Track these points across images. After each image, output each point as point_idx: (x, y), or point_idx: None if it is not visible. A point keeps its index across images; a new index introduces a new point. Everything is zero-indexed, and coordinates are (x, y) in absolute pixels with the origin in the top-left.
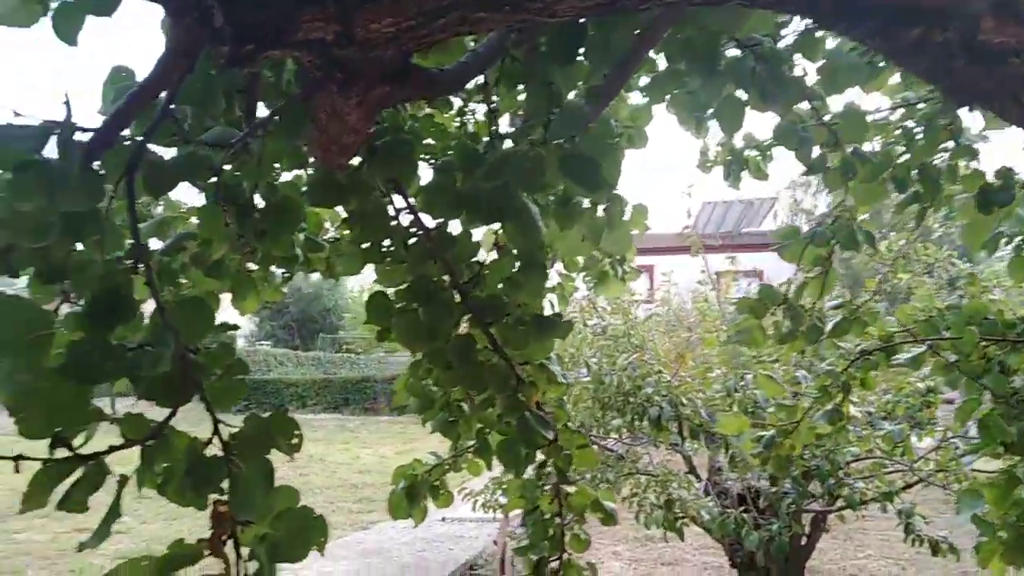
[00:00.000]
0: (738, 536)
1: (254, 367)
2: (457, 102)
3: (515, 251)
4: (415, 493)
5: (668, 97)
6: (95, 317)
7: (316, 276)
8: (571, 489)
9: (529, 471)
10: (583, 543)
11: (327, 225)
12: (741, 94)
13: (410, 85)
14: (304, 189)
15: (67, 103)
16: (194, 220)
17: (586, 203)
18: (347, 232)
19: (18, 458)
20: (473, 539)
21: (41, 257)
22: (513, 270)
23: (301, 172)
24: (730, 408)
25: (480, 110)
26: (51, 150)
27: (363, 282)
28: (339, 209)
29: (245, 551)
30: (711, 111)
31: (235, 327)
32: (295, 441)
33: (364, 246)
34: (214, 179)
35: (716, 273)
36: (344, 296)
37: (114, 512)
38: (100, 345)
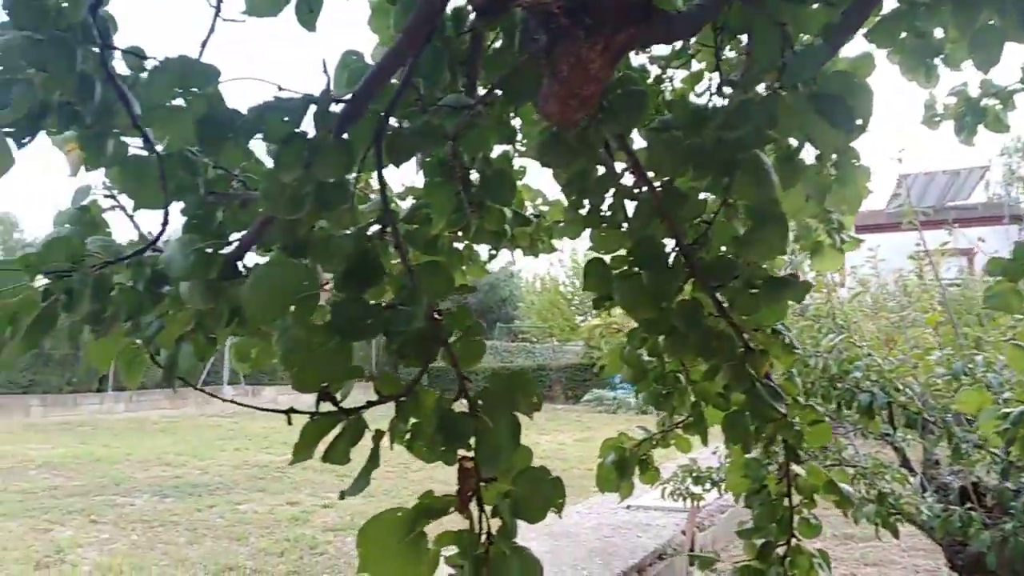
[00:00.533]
0: (964, 535)
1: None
2: (654, 70)
3: (744, 208)
4: (624, 467)
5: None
6: (348, 283)
7: (491, 266)
8: (801, 469)
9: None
10: (814, 528)
11: (526, 203)
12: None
13: (651, 28)
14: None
15: (324, 71)
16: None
17: (810, 159)
18: (546, 208)
19: (289, 411)
20: (660, 527)
21: (290, 230)
22: (742, 229)
23: (508, 147)
24: (954, 394)
25: (677, 75)
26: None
27: (537, 271)
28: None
29: (487, 509)
30: (944, 55)
31: (472, 289)
32: (535, 400)
33: (583, 211)
34: (428, 158)
35: (925, 251)
36: (519, 286)
37: (373, 462)
38: (360, 305)
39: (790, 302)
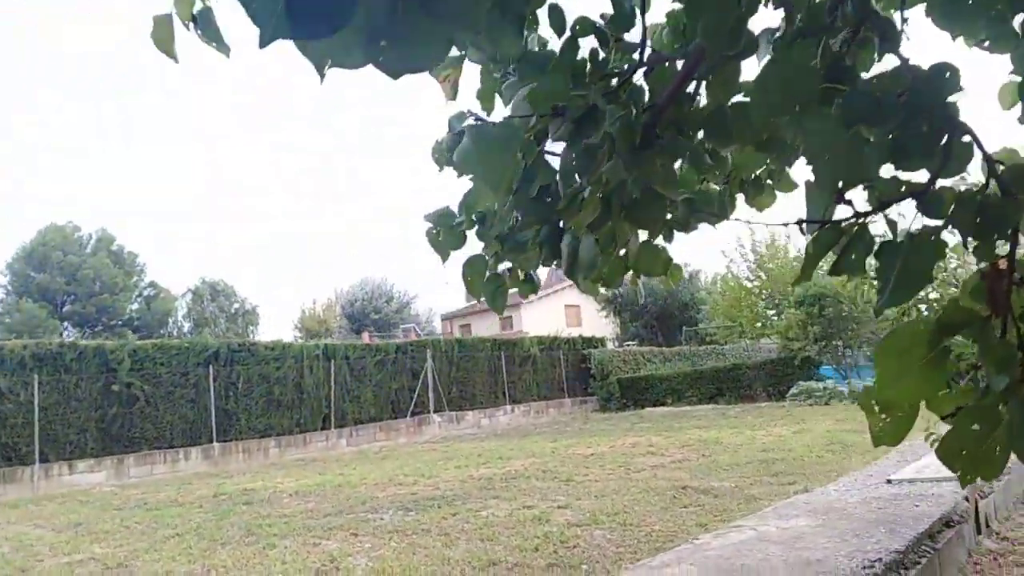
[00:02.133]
0: None
1: (624, 366)
2: None
3: None
4: None
5: None
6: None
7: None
8: None
9: None
10: None
11: None
12: None
13: None
14: None
15: None
16: None
17: None
18: None
19: (800, 222)
20: (937, 496)
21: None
22: None
23: None
24: None
25: None
26: None
27: (718, 271)
28: None
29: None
30: None
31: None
32: None
33: None
34: None
35: None
36: (700, 288)
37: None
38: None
39: None
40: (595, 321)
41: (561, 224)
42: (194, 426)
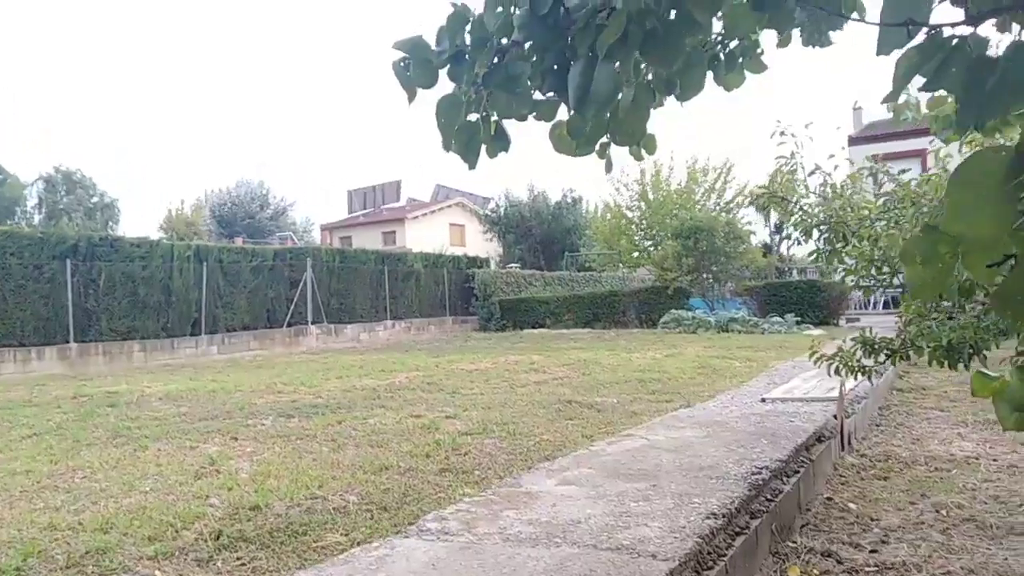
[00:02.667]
0: None
1: (506, 288)
2: None
3: None
4: None
5: None
6: None
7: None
8: None
9: None
10: None
11: None
12: None
13: None
14: None
15: None
16: None
17: None
18: None
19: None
20: (808, 414)
21: None
22: None
23: None
24: None
25: None
26: None
27: (601, 199)
28: None
29: None
30: None
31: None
32: None
33: None
34: None
35: None
36: (583, 215)
37: None
38: None
39: None
40: (479, 241)
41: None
42: (49, 324)
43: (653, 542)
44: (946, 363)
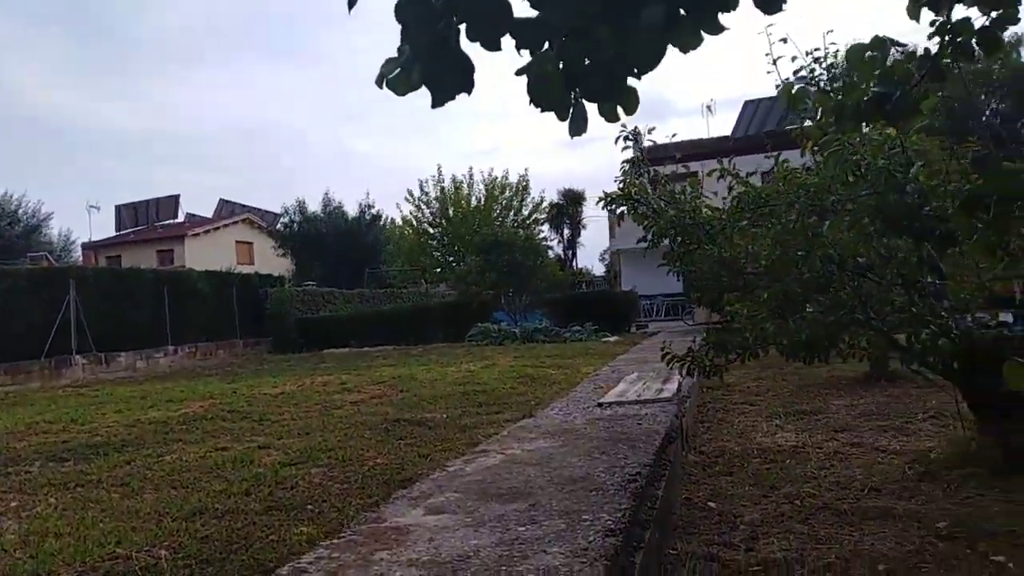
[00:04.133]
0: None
1: (303, 307)
2: None
3: None
4: None
5: None
6: None
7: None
8: None
9: None
10: None
11: None
12: None
13: None
14: None
15: None
16: None
17: None
18: None
19: None
20: (651, 417)
21: None
22: None
23: None
24: None
25: None
26: None
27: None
28: None
29: None
30: None
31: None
32: None
33: None
34: None
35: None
36: (383, 231)
37: None
38: None
39: None
40: (270, 259)
41: None
42: None
43: (562, 571)
44: (804, 357)
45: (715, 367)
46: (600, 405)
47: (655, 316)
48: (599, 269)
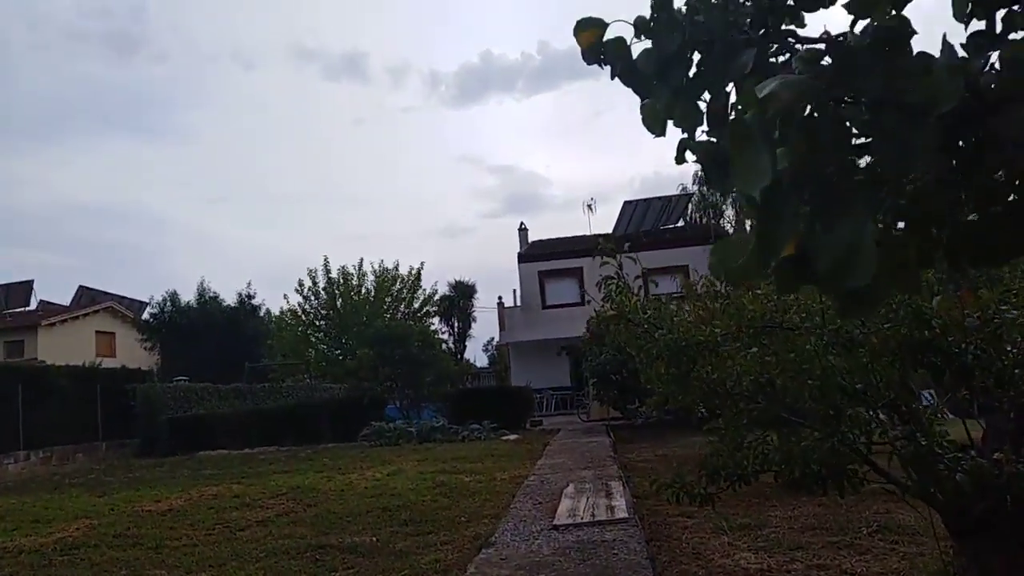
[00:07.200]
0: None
1: (174, 404)
2: None
3: None
4: None
5: None
6: None
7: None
8: None
9: None
10: None
11: None
12: None
13: None
14: None
15: None
16: None
17: None
18: None
19: None
20: (621, 542)
21: None
22: None
23: None
24: None
25: None
26: None
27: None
28: None
29: None
30: None
31: None
32: None
33: None
34: None
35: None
36: (264, 323)
37: None
38: None
39: None
40: (134, 351)
41: None
42: None
43: None
44: (819, 488)
45: (707, 496)
46: (556, 528)
47: (546, 411)
48: (482, 360)
